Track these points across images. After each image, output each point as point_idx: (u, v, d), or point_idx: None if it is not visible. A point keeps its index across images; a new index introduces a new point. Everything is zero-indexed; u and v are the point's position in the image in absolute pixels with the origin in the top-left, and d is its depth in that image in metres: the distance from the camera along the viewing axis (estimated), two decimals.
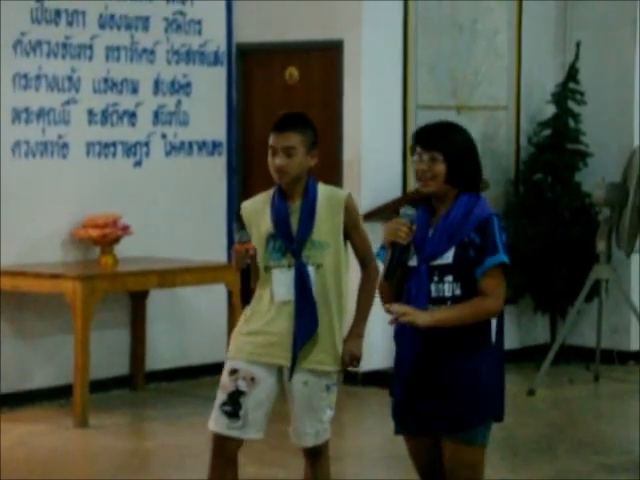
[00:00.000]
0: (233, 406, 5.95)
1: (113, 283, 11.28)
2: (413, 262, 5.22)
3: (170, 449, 8.80)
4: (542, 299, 6.92)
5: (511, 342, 12.22)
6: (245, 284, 5.91)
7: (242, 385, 5.89)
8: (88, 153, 11.49)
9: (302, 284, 5.76)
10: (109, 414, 10.83)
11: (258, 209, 5.91)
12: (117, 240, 11.14)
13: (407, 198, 11.61)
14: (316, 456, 5.94)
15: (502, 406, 5.28)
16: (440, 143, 5.34)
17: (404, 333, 5.25)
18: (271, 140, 5.58)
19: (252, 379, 5.87)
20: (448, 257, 5.21)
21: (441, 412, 5.16)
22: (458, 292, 5.18)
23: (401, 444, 8.35)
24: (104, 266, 11.07)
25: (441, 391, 5.17)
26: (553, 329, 12.58)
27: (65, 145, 11.32)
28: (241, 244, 5.69)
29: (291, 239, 5.80)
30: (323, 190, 6.17)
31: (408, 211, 5.29)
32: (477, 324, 5.05)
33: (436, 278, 5.19)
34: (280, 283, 5.85)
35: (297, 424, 5.88)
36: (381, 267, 5.85)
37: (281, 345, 5.83)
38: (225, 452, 6.00)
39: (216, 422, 5.96)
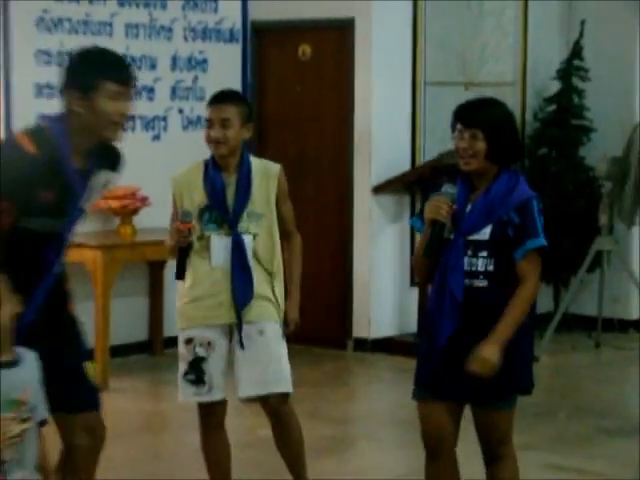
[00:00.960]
0: (197, 373, 6.33)
1: (132, 253, 11.58)
2: (447, 235, 5.63)
3: (187, 411, 8.23)
4: (546, 270, 7.27)
5: None
6: (182, 261, 6.28)
7: (200, 351, 6.32)
8: None
9: (239, 253, 6.22)
10: (129, 378, 11.15)
11: (190, 181, 6.25)
12: (136, 211, 11.44)
13: (419, 172, 12.06)
14: (280, 415, 6.19)
15: (532, 379, 5.78)
16: (481, 121, 5.69)
17: (444, 303, 5.67)
18: (208, 113, 5.91)
19: (209, 343, 6.30)
20: (485, 233, 5.59)
21: (479, 382, 5.46)
22: (491, 268, 5.55)
23: (408, 408, 8.67)
24: (123, 236, 11.33)
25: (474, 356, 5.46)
26: (556, 298, 12.75)
27: None
28: (184, 223, 6.02)
29: (227, 211, 6.20)
30: (256, 163, 6.64)
31: (450, 189, 5.70)
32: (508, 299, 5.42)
33: (470, 252, 5.55)
34: (218, 250, 6.25)
35: (256, 375, 6.25)
36: (417, 237, 6.17)
37: (227, 305, 6.29)
38: (211, 418, 6.37)
39: (183, 392, 6.37)
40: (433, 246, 5.64)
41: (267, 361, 6.51)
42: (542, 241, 5.60)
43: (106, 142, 5.31)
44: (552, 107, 13.12)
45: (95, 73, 5.02)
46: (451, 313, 5.58)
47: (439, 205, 5.58)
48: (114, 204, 11.33)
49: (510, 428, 5.91)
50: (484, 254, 5.54)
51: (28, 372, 4.74)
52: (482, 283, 5.49)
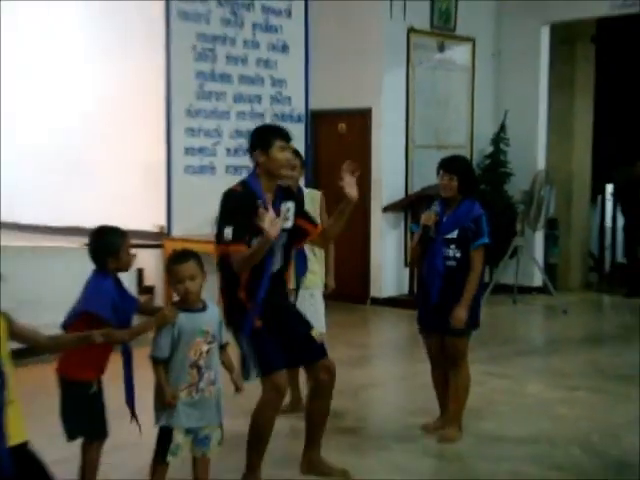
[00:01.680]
0: None
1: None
2: (432, 234, 6.32)
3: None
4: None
5: None
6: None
7: None
8: (227, 172, 11.66)
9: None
10: None
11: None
12: None
13: (410, 199, 12.14)
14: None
15: (479, 321, 6.41)
16: (455, 169, 6.37)
17: (428, 274, 6.45)
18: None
19: None
20: (454, 234, 6.25)
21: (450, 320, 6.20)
22: (458, 255, 6.25)
23: (406, 338, 10.09)
24: None
25: (452, 309, 6.15)
26: (491, 274, 12.63)
27: (213, 168, 11.63)
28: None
29: None
30: (307, 190, 6.91)
31: (435, 208, 6.35)
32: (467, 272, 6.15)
33: (445, 245, 6.27)
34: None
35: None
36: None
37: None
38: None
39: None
40: (424, 239, 6.36)
41: (312, 315, 6.36)
42: (486, 240, 6.24)
43: (284, 183, 5.51)
44: (488, 161, 13.22)
45: (269, 136, 5.24)
46: (436, 280, 6.29)
47: (429, 216, 6.27)
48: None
49: (466, 349, 6.38)
50: (454, 246, 6.21)
51: (212, 315, 4.92)
52: (452, 263, 6.21)
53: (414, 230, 6.83)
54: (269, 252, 5.19)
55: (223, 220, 5.18)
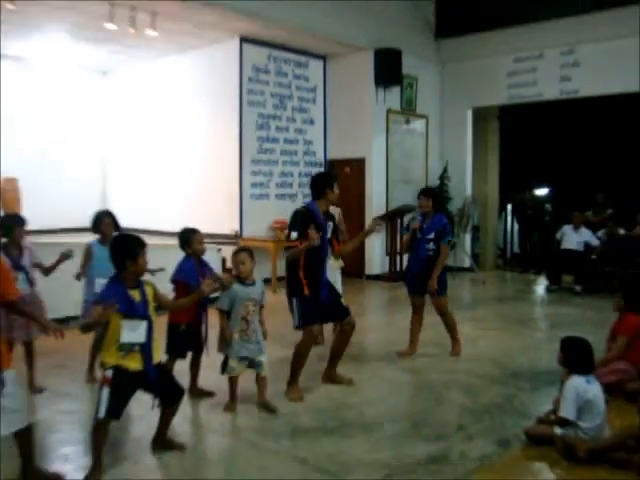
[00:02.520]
0: None
1: (282, 245, 10.26)
2: (419, 235, 6.43)
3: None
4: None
5: None
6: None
7: None
8: (275, 198, 11.64)
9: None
10: None
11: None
12: (284, 228, 10.74)
13: (390, 213, 11.77)
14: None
15: (447, 287, 6.58)
16: (430, 194, 6.59)
17: (414, 259, 6.53)
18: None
19: None
20: (432, 235, 6.38)
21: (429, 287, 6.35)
22: (434, 248, 6.38)
23: (393, 299, 9.47)
24: (280, 237, 10.35)
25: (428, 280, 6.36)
26: None
27: (267, 195, 11.54)
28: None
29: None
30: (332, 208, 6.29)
31: (418, 218, 6.48)
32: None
33: (426, 242, 6.38)
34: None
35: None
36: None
37: None
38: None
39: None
40: (412, 239, 6.47)
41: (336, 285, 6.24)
42: (450, 238, 6.57)
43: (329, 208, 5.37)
44: (437, 190, 12.01)
45: (329, 180, 5.25)
46: (419, 263, 6.44)
47: (415, 224, 6.40)
48: (276, 225, 10.94)
49: (446, 303, 6.61)
50: (431, 243, 6.34)
51: (258, 288, 4.90)
52: (430, 253, 6.34)
53: (404, 233, 6.77)
54: (323, 249, 5.24)
55: (292, 226, 5.21)
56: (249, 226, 11.29)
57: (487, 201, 13.75)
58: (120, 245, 3.92)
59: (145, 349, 3.77)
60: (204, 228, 10.78)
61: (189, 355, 5.24)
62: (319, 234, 5.09)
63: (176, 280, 5.00)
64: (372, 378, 5.95)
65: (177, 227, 10.48)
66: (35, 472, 3.65)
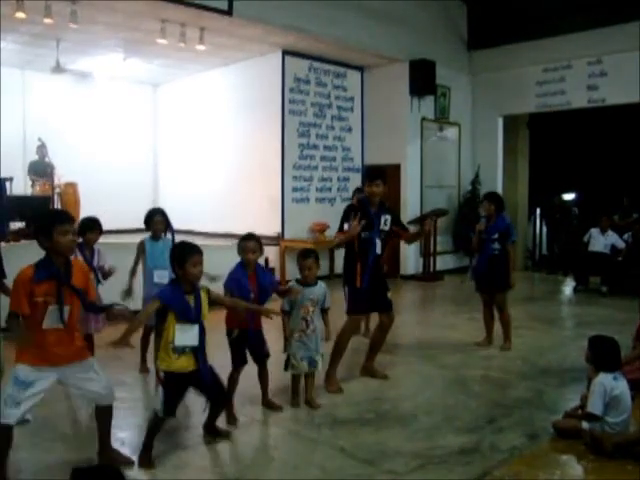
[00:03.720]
0: None
1: (321, 246, 10.36)
2: (484, 236, 6.52)
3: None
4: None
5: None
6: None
7: None
8: (315, 202, 11.71)
9: None
10: None
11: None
12: (324, 230, 11.02)
13: (422, 216, 11.44)
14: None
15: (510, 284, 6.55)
16: (492, 198, 6.61)
17: (481, 259, 6.55)
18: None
19: None
20: (496, 236, 6.42)
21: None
22: (499, 247, 6.45)
23: (424, 295, 9.38)
24: (319, 239, 10.81)
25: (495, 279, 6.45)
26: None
27: (308, 199, 11.62)
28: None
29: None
30: None
31: (483, 221, 6.55)
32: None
33: (491, 242, 6.43)
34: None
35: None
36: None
37: None
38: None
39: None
40: (479, 240, 6.54)
41: None
42: (514, 238, 6.63)
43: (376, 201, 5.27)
44: (469, 195, 12.82)
45: (365, 178, 5.43)
46: (485, 262, 6.57)
47: (481, 225, 6.52)
48: (316, 227, 11.09)
49: (506, 300, 6.62)
50: (496, 243, 6.44)
51: (319, 289, 4.80)
52: (496, 252, 6.41)
53: (472, 235, 6.73)
54: (370, 243, 5.20)
55: (345, 218, 5.21)
56: (290, 228, 11.34)
57: (517, 205, 13.59)
58: (173, 252, 3.93)
59: (198, 352, 3.82)
60: (248, 229, 11.01)
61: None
62: (361, 223, 5.07)
63: (225, 287, 4.62)
64: (407, 373, 5.95)
65: (223, 229, 10.49)
66: (110, 452, 3.77)
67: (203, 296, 3.90)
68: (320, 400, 5.00)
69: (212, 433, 4.25)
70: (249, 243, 4.51)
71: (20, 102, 12.43)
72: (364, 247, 5.22)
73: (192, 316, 3.78)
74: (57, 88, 12.56)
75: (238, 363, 4.60)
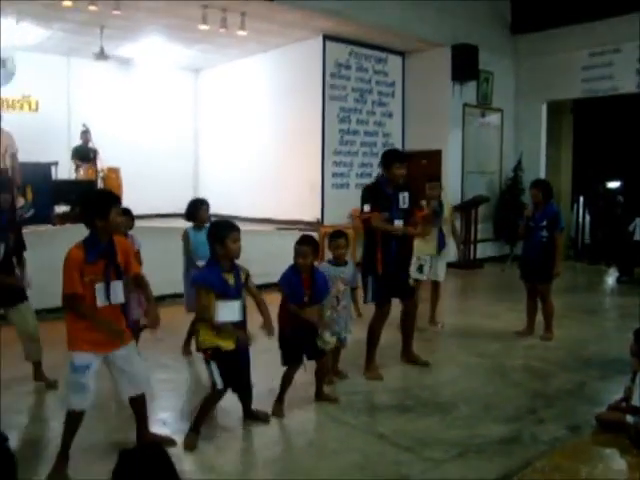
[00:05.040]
0: None
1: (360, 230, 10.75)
2: (532, 224, 6.43)
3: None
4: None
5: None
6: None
7: None
8: (355, 188, 11.34)
9: None
10: None
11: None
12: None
13: (463, 203, 11.58)
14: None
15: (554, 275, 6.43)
16: (540, 185, 6.51)
17: (528, 246, 6.53)
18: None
19: None
20: (544, 222, 6.34)
21: None
22: (547, 235, 6.35)
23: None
24: (357, 225, 10.78)
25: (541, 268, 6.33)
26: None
27: (348, 185, 11.59)
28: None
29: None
30: None
31: (530, 208, 6.54)
32: None
33: (539, 230, 6.35)
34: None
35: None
36: None
37: None
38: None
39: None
40: (527, 227, 6.51)
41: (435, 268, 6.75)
42: (563, 225, 6.52)
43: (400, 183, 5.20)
44: (510, 182, 12.65)
45: (390, 159, 5.18)
46: (532, 250, 6.50)
47: (528, 212, 6.53)
48: (355, 213, 9.83)
49: (550, 290, 6.52)
50: (544, 230, 6.37)
51: (349, 269, 4.87)
52: (544, 240, 6.34)
53: (520, 222, 6.68)
54: (391, 222, 5.11)
55: (364, 200, 5.14)
56: (330, 214, 11.31)
57: (560, 193, 13.24)
58: (211, 230, 3.94)
59: (239, 328, 3.85)
60: (288, 215, 11.08)
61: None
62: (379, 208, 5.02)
63: (279, 286, 4.49)
64: (447, 360, 5.94)
65: (263, 214, 10.23)
66: (148, 435, 3.81)
67: (243, 276, 3.93)
68: (359, 387, 5.03)
69: (251, 417, 4.29)
70: (302, 247, 4.38)
71: (65, 88, 12.66)
72: (386, 233, 5.13)
73: (232, 293, 3.81)
74: (100, 75, 12.71)
75: (292, 361, 4.45)
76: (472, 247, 12.00)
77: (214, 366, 3.83)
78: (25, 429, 4.29)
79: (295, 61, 11.80)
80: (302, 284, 4.36)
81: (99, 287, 3.40)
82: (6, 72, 12.01)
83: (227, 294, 3.79)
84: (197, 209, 5.68)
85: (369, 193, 5.20)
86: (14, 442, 3.94)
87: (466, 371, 5.60)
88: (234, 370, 3.91)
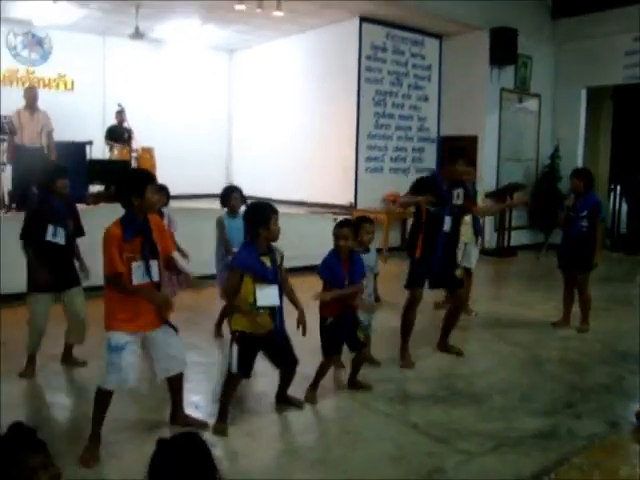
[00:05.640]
0: None
1: (394, 216, 10.65)
2: (572, 213, 6.30)
3: None
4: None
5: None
6: None
7: None
8: (389, 172, 11.57)
9: None
10: None
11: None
12: (396, 201, 9.61)
13: (498, 190, 11.25)
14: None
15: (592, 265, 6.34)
16: (581, 175, 6.35)
17: (568, 236, 6.37)
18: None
19: None
20: (584, 212, 6.19)
21: None
22: (587, 225, 6.24)
23: None
24: (392, 209, 10.52)
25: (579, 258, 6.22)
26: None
27: (382, 169, 11.52)
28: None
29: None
30: None
31: (572, 198, 6.34)
32: None
33: (580, 220, 6.19)
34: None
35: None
36: None
37: None
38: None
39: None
40: (567, 217, 6.39)
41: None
42: (603, 215, 6.61)
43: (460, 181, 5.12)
44: (547, 169, 12.42)
45: (455, 155, 5.05)
46: (572, 239, 6.37)
47: (569, 202, 6.36)
48: (390, 198, 10.90)
49: (587, 280, 6.40)
50: (584, 220, 6.22)
51: (371, 255, 4.88)
52: (584, 229, 6.21)
53: (560, 212, 6.59)
54: (439, 219, 5.02)
55: (415, 190, 5.04)
56: (363, 198, 11.25)
57: (597, 182, 12.98)
58: (253, 212, 3.89)
59: (276, 312, 3.81)
60: (321, 199, 11.06)
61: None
62: (430, 202, 4.93)
63: (320, 275, 4.38)
64: (480, 350, 5.85)
65: (296, 197, 10.20)
66: (183, 416, 3.86)
67: (278, 259, 3.90)
68: (393, 374, 4.99)
69: (284, 402, 4.26)
70: (342, 230, 4.32)
71: (100, 68, 12.71)
72: (432, 222, 5.07)
73: (270, 276, 3.77)
74: (135, 55, 12.73)
75: (331, 352, 4.38)
76: (506, 234, 11.83)
77: (235, 349, 3.78)
78: (62, 408, 4.33)
79: (331, 43, 11.68)
80: (342, 267, 4.32)
81: (136, 265, 3.40)
82: (43, 51, 12.17)
83: (265, 277, 3.75)
84: (228, 196, 5.68)
85: (422, 185, 5.09)
86: (51, 421, 4.03)
87: (501, 361, 5.49)
88: (254, 355, 3.87)
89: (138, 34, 11.03)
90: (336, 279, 4.28)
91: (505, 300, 8.06)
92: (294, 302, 4.01)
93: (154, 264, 3.48)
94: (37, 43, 12.12)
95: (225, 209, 5.74)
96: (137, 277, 3.42)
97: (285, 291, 3.94)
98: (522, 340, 6.15)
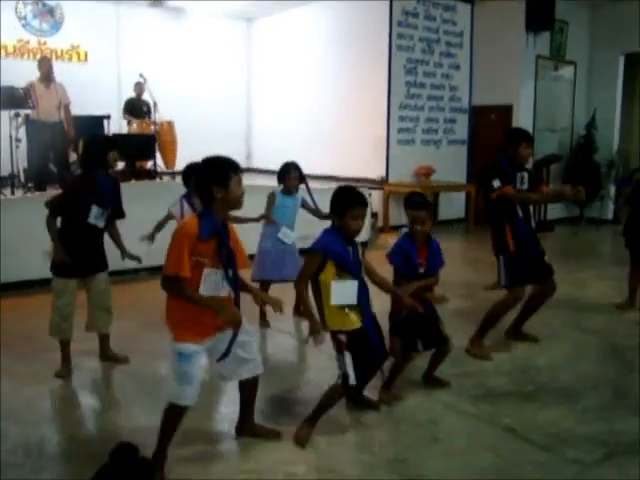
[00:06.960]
0: None
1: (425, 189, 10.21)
2: None
3: None
4: None
5: None
6: None
7: None
8: (421, 144, 11.22)
9: None
10: None
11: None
12: (429, 174, 10.66)
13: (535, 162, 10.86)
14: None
15: None
16: None
17: (636, 211, 6.00)
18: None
19: None
20: None
21: None
22: None
23: None
24: (424, 183, 10.33)
25: None
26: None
27: (414, 140, 11.12)
28: None
29: None
30: None
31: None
32: None
33: None
34: None
35: None
36: None
37: None
38: None
39: None
40: (635, 192, 5.96)
41: None
42: None
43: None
44: (582, 140, 11.96)
45: (518, 138, 4.70)
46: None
47: (638, 175, 6.01)
48: (420, 172, 10.67)
49: None
50: None
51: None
52: None
53: (626, 186, 6.24)
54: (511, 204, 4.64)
55: (491, 176, 4.63)
56: (395, 171, 10.85)
57: (634, 152, 12.57)
58: (343, 197, 3.32)
59: (361, 307, 3.33)
60: (350, 173, 10.66)
61: None
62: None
63: (391, 261, 3.93)
64: (551, 337, 5.34)
65: (322, 171, 9.83)
66: (253, 426, 3.44)
67: (361, 251, 3.44)
68: (467, 367, 4.59)
69: (360, 404, 3.82)
70: (419, 213, 3.79)
71: (114, 38, 12.20)
72: (506, 208, 4.65)
73: (354, 267, 3.30)
74: (151, 24, 12.29)
75: (408, 350, 3.93)
76: (542, 208, 11.41)
77: (348, 357, 3.27)
78: (100, 415, 3.89)
79: (359, 8, 11.11)
80: (418, 254, 3.84)
81: (208, 273, 2.88)
82: (54, 21, 11.75)
83: (348, 266, 3.28)
84: (287, 173, 5.31)
85: (496, 168, 4.67)
86: (87, 434, 3.60)
87: (577, 350, 5.03)
88: (368, 357, 3.40)
89: (156, 0, 10.51)
90: (410, 265, 3.81)
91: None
92: (389, 291, 3.65)
93: (231, 274, 2.94)
94: (48, 12, 11.71)
95: (281, 185, 5.39)
96: (208, 287, 2.90)
97: (376, 283, 3.54)
98: (591, 325, 5.72)
